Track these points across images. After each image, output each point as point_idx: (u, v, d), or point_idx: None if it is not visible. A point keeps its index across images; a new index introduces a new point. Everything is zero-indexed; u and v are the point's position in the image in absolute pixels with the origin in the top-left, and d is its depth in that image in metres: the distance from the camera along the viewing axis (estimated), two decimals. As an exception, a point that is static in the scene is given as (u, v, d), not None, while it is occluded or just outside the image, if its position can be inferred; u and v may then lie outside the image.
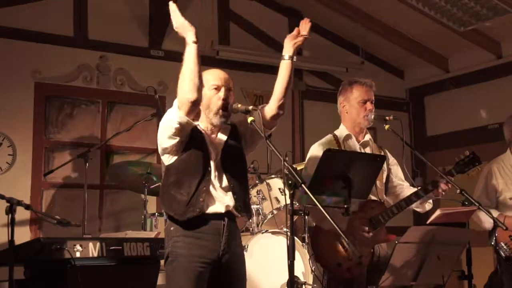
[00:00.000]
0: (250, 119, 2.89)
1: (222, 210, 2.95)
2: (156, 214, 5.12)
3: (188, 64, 2.82)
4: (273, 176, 5.01)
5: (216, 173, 2.97)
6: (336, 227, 2.52)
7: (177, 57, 6.31)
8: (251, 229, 4.69)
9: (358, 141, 3.60)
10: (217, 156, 3.00)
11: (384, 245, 3.51)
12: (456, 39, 6.58)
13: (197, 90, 2.79)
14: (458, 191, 3.37)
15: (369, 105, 3.54)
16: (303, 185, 2.60)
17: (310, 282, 4.63)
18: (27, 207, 3.40)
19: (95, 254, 3.62)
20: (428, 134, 7.63)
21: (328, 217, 2.53)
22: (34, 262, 3.62)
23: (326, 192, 3.19)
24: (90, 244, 3.62)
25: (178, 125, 2.83)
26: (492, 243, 4.21)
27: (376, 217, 3.42)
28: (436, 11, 6.10)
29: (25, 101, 5.57)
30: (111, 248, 3.70)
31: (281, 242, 4.56)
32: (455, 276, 3.51)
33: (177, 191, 2.91)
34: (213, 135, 3.04)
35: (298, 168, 4.68)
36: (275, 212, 4.82)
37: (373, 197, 3.47)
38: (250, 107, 2.90)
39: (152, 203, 5.62)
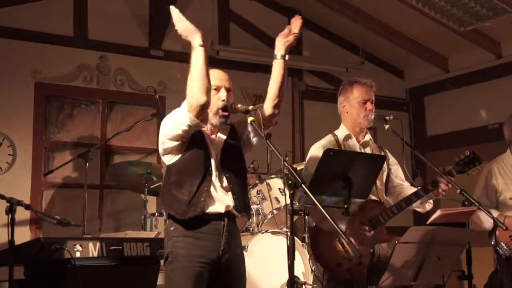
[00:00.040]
0: (250, 119, 2.89)
1: (222, 210, 2.95)
2: (156, 214, 5.12)
3: (196, 67, 2.81)
4: (273, 176, 5.01)
5: (217, 173, 2.97)
6: (336, 227, 2.53)
7: (177, 57, 6.33)
8: (251, 229, 4.69)
9: (358, 141, 3.60)
10: (217, 156, 3.00)
11: (384, 245, 3.51)
12: (456, 39, 6.58)
13: (206, 93, 2.79)
14: (458, 191, 3.37)
15: (369, 105, 3.54)
16: (303, 185, 2.60)
17: (310, 282, 4.63)
18: (27, 207, 3.40)
19: (95, 254, 3.62)
20: (428, 134, 7.63)
21: (328, 217, 2.54)
22: (34, 262, 3.62)
23: (326, 192, 3.19)
24: (90, 244, 3.63)
25: (187, 128, 2.83)
26: (492, 243, 4.21)
27: (376, 217, 3.42)
28: (436, 11, 6.11)
29: (25, 101, 5.57)
30: (111, 248, 3.70)
31: (281, 242, 4.56)
32: (455, 276, 3.51)
33: (178, 190, 2.91)
34: (213, 135, 3.04)
35: (298, 168, 4.68)
36: (275, 212, 4.82)
37: (373, 197, 3.47)
38: (250, 107, 2.91)
39: (152, 203, 5.62)
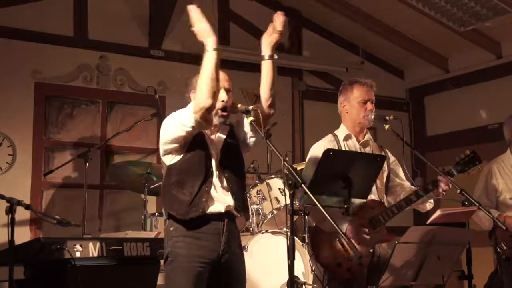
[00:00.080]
0: (250, 119, 2.90)
1: (222, 210, 2.95)
2: (156, 214, 5.12)
3: (206, 70, 2.80)
4: (273, 176, 5.01)
5: (217, 173, 2.97)
6: (336, 227, 2.53)
7: (177, 57, 6.31)
8: (251, 229, 4.69)
9: (359, 141, 3.60)
10: (217, 156, 3.00)
11: (384, 245, 3.51)
12: (456, 39, 6.58)
13: (212, 96, 2.79)
14: (458, 191, 3.37)
15: (369, 105, 3.54)
16: (303, 185, 2.60)
17: (310, 282, 4.63)
18: (27, 207, 3.40)
19: (95, 254, 3.62)
20: (428, 134, 7.63)
21: (328, 217, 2.54)
22: (34, 262, 3.62)
23: (326, 192, 3.19)
24: (90, 244, 3.63)
25: (191, 129, 2.83)
26: (492, 243, 4.21)
27: (376, 217, 3.42)
28: (436, 11, 6.11)
29: (25, 101, 5.57)
30: (111, 248, 3.70)
31: (281, 242, 4.56)
32: (455, 276, 3.51)
33: (180, 191, 2.91)
34: (213, 135, 3.04)
35: (298, 168, 4.68)
36: (275, 212, 4.82)
37: (373, 197, 3.47)
38: (250, 107, 2.91)
39: (152, 203, 5.62)
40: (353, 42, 7.35)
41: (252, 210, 4.70)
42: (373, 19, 6.69)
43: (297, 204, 3.94)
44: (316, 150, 3.53)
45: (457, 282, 4.47)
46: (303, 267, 4.67)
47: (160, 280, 3.99)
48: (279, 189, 4.88)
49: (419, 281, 3.20)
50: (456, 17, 6.13)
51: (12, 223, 3.20)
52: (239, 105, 2.96)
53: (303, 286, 4.56)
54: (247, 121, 3.04)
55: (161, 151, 2.98)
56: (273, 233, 4.64)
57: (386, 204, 3.53)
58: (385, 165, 3.54)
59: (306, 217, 5.03)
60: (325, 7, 6.65)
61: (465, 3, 5.86)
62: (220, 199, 2.95)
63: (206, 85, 2.79)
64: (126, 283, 3.79)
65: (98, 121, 5.93)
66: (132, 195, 5.61)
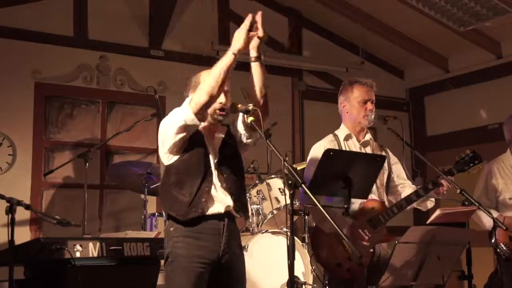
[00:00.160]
0: (250, 119, 2.89)
1: (222, 210, 2.95)
2: (156, 214, 5.13)
3: (217, 69, 2.82)
4: (273, 176, 5.01)
5: (216, 173, 2.98)
6: (336, 227, 2.52)
7: (177, 57, 6.32)
8: (251, 229, 4.69)
9: (359, 141, 3.60)
10: (216, 156, 3.00)
11: (385, 245, 3.51)
12: (456, 39, 6.58)
13: (210, 94, 2.79)
14: (458, 191, 3.37)
15: (369, 105, 3.55)
16: (303, 185, 2.60)
17: (310, 282, 4.63)
18: (27, 207, 3.40)
19: (95, 254, 3.62)
20: (428, 134, 7.63)
21: (328, 217, 2.53)
22: (34, 262, 3.62)
23: (326, 192, 3.19)
24: (90, 244, 3.63)
25: (183, 122, 2.83)
26: (492, 243, 4.21)
27: (376, 217, 3.42)
28: (436, 11, 6.11)
29: (25, 101, 5.57)
30: (111, 248, 3.70)
31: (281, 242, 4.56)
32: (455, 276, 3.51)
33: (179, 191, 2.91)
34: (211, 135, 3.05)
35: (298, 168, 4.68)
36: (275, 212, 4.82)
37: (373, 197, 3.47)
38: (250, 107, 2.90)
39: (152, 203, 5.62)
40: (353, 42, 7.35)
41: (252, 210, 4.70)
42: (373, 19, 6.69)
43: (297, 204, 3.96)
44: (317, 150, 3.53)
45: (457, 282, 4.47)
46: (303, 267, 4.67)
47: (160, 280, 3.99)
48: (279, 189, 4.88)
49: (419, 281, 3.20)
50: (456, 17, 6.13)
51: (12, 223, 3.19)
52: (239, 105, 2.96)
53: (303, 286, 4.56)
54: (240, 120, 3.05)
55: (160, 150, 2.98)
56: (273, 233, 4.64)
57: (386, 203, 3.53)
58: (385, 164, 3.53)
59: (306, 217, 5.03)
60: (325, 7, 6.65)
61: (465, 3, 5.86)
62: (220, 199, 2.96)
63: (208, 81, 2.80)
64: (126, 283, 3.79)
65: (98, 121, 5.93)
66: (132, 195, 5.61)
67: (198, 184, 2.90)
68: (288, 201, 2.66)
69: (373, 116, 3.53)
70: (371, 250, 3.39)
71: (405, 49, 7.10)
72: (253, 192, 4.82)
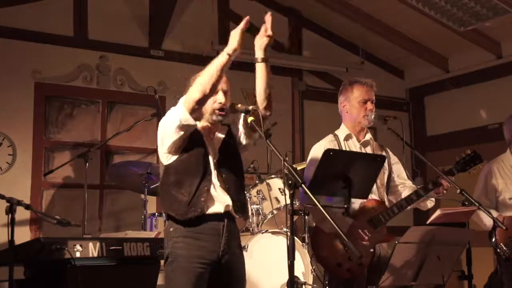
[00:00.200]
0: (250, 119, 2.89)
1: (222, 210, 2.95)
2: (156, 214, 5.12)
3: (210, 67, 2.81)
4: (273, 176, 5.00)
5: (215, 173, 2.97)
6: (336, 227, 2.52)
7: (177, 57, 6.31)
8: (251, 229, 4.69)
9: (359, 141, 3.60)
10: (215, 156, 3.00)
11: (385, 245, 3.51)
12: (456, 39, 6.58)
13: (202, 92, 2.79)
14: (458, 191, 3.37)
15: (369, 105, 3.55)
16: (303, 185, 2.60)
17: (310, 282, 4.63)
18: (27, 207, 3.40)
19: (95, 254, 3.62)
20: (428, 134, 7.63)
21: (328, 217, 2.53)
22: (34, 262, 3.62)
23: (326, 192, 3.19)
24: (90, 244, 3.63)
25: (178, 122, 2.83)
26: (492, 243, 4.21)
27: (376, 217, 3.42)
28: (436, 11, 6.11)
29: (25, 101, 5.57)
30: (111, 248, 3.70)
31: (281, 242, 4.56)
32: (455, 276, 3.51)
33: (178, 191, 2.91)
34: (211, 135, 3.05)
35: (298, 168, 4.68)
36: (275, 212, 4.81)
37: (374, 197, 3.47)
38: (250, 107, 2.91)
39: (152, 203, 5.62)
40: (353, 42, 7.36)
41: (252, 210, 4.70)
42: (373, 19, 6.69)
43: (297, 204, 3.96)
44: (317, 150, 3.53)
45: (457, 282, 4.47)
46: (303, 267, 4.66)
47: (160, 280, 3.99)
48: (279, 189, 4.88)
49: (419, 281, 3.20)
50: (456, 17, 6.13)
51: (12, 223, 3.19)
52: (239, 105, 2.96)
53: (303, 286, 4.56)
54: (241, 121, 3.05)
55: (159, 150, 2.98)
56: (273, 233, 4.64)
57: (387, 203, 3.53)
58: (386, 164, 3.54)
59: (306, 217, 5.03)
60: (325, 7, 6.65)
61: (465, 3, 5.86)
62: (220, 199, 2.96)
63: (202, 79, 2.79)
64: (126, 283, 3.79)
65: (98, 121, 5.93)
66: (132, 195, 5.61)
67: (197, 183, 2.90)
68: (288, 201, 2.65)
69: (373, 116, 3.53)
70: (371, 250, 3.39)
71: (405, 49, 7.10)
72: (253, 192, 4.82)
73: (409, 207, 3.49)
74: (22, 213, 3.76)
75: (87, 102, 5.92)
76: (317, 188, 3.09)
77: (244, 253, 3.58)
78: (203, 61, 2.90)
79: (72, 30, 5.86)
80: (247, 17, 2.83)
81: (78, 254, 3.53)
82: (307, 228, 5.04)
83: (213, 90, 2.83)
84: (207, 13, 6.38)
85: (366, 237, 3.33)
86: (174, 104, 3.00)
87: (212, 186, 2.94)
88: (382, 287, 3.07)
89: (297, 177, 2.59)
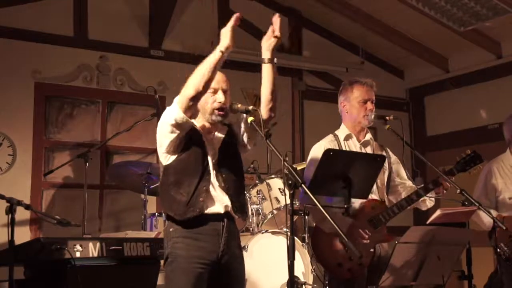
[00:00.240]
0: (250, 119, 2.89)
1: (221, 210, 2.95)
2: (156, 214, 5.12)
3: (203, 64, 2.82)
4: (273, 176, 5.00)
5: (215, 173, 2.97)
6: (336, 227, 2.52)
7: (177, 57, 6.32)
8: (251, 229, 4.69)
9: (359, 141, 3.60)
10: (215, 156, 3.00)
11: (385, 245, 3.51)
12: (456, 39, 6.58)
13: (196, 89, 2.78)
14: (458, 191, 3.37)
15: (369, 105, 3.55)
16: (303, 185, 2.60)
17: (310, 282, 4.63)
18: (27, 207, 3.40)
19: (95, 254, 3.62)
20: (428, 134, 7.63)
21: (328, 217, 2.53)
22: (34, 262, 3.62)
23: (326, 192, 3.19)
24: (90, 244, 3.62)
25: (173, 121, 2.83)
26: (492, 243, 4.21)
27: (377, 217, 3.42)
28: (436, 11, 6.11)
29: (25, 101, 5.57)
30: (111, 248, 3.70)
31: (281, 242, 4.56)
32: (455, 276, 3.50)
33: (177, 191, 2.91)
34: (210, 135, 3.04)
35: (298, 168, 4.68)
36: (275, 212, 4.81)
37: (374, 197, 3.48)
38: (250, 107, 2.91)
39: (152, 203, 5.62)
40: (353, 42, 7.36)
41: (252, 210, 4.71)
42: (373, 19, 6.69)
43: (297, 204, 3.96)
44: (317, 150, 3.53)
45: (457, 282, 4.47)
46: (303, 267, 4.67)
47: (160, 280, 3.99)
48: (279, 189, 4.88)
49: (419, 281, 3.20)
50: (456, 17, 6.13)
51: (12, 223, 3.19)
52: (239, 105, 2.96)
53: (303, 286, 4.56)
54: (243, 121, 3.04)
55: (158, 150, 2.98)
56: (273, 233, 4.64)
57: (387, 203, 3.53)
58: (386, 164, 3.54)
59: (306, 217, 5.03)
60: (325, 7, 6.65)
61: (465, 3, 5.86)
62: (219, 199, 2.95)
63: (195, 76, 2.79)
64: (126, 283, 3.79)
65: (98, 121, 5.93)
66: (132, 195, 5.61)
67: (196, 183, 2.90)
68: (288, 201, 2.65)
69: (373, 116, 3.54)
70: (371, 250, 3.39)
71: (405, 49, 7.10)
72: (253, 192, 4.82)
73: (409, 207, 3.49)
74: (22, 213, 3.76)
75: (87, 102, 5.92)
76: (317, 188, 3.09)
77: (244, 253, 3.58)
78: (203, 61, 2.89)
79: (72, 30, 5.86)
80: (237, 14, 2.83)
81: (78, 254, 3.53)
82: (307, 228, 5.04)
83: (206, 88, 2.83)
84: (207, 13, 6.38)
85: (366, 236, 3.33)
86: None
87: (211, 186, 2.94)
88: (382, 287, 3.07)
89: (297, 177, 2.59)
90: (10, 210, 3.21)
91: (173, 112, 2.83)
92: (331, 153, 3.15)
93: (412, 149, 3.88)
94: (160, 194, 3.04)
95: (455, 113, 7.20)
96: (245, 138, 3.09)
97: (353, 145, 3.59)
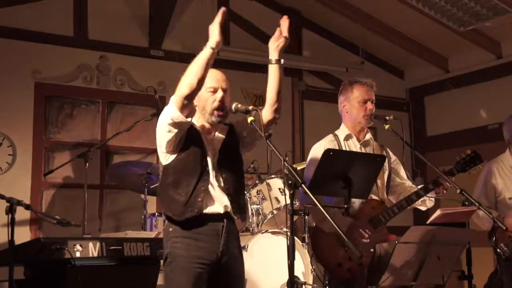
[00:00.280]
0: (250, 119, 2.89)
1: (221, 210, 2.95)
2: (156, 214, 5.13)
3: (195, 62, 2.82)
4: (273, 176, 5.00)
5: (214, 173, 2.97)
6: (337, 227, 2.52)
7: (177, 57, 6.32)
8: (251, 229, 4.69)
9: (359, 141, 3.61)
10: (215, 156, 3.00)
11: (385, 245, 3.51)
12: (456, 39, 6.58)
13: (190, 87, 2.78)
14: (458, 191, 3.37)
15: (369, 105, 3.55)
16: (303, 185, 2.60)
17: (310, 282, 4.63)
18: (27, 207, 3.40)
19: (95, 254, 3.62)
20: (428, 134, 7.63)
21: (328, 217, 2.53)
22: (34, 262, 3.62)
23: (326, 192, 3.19)
24: (90, 244, 3.62)
25: (170, 120, 2.83)
26: (492, 243, 4.21)
27: (377, 217, 3.42)
28: (436, 11, 6.11)
29: (25, 101, 5.57)
30: (111, 248, 3.70)
31: (281, 242, 4.56)
32: (455, 276, 3.51)
33: (175, 191, 2.91)
34: (211, 135, 3.04)
35: (298, 168, 4.68)
36: (275, 212, 4.81)
37: (374, 197, 3.48)
38: (250, 107, 2.90)
39: (152, 203, 5.62)
40: (353, 42, 7.36)
41: (252, 210, 4.71)
42: (373, 19, 6.69)
43: (297, 204, 3.96)
44: (317, 150, 3.54)
45: (457, 282, 4.47)
46: (303, 267, 4.66)
47: (160, 280, 3.99)
48: (279, 189, 4.88)
49: (419, 281, 3.20)
50: (456, 17, 6.13)
51: (12, 223, 3.19)
52: (239, 105, 2.96)
53: (303, 286, 4.56)
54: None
55: (158, 150, 2.98)
56: (273, 233, 4.64)
57: (387, 203, 3.53)
58: (386, 164, 3.54)
59: (306, 217, 5.03)
60: (325, 7, 6.65)
61: (465, 3, 5.86)
62: (219, 199, 2.95)
63: (188, 76, 2.79)
64: (126, 283, 3.79)
65: (98, 121, 5.93)
66: (132, 195, 5.61)
67: (194, 183, 2.90)
68: (288, 201, 2.65)
69: (373, 116, 3.54)
70: (371, 250, 3.39)
71: (405, 49, 7.10)
72: (253, 192, 4.82)
73: (409, 207, 3.49)
74: (22, 213, 3.76)
75: (87, 102, 5.92)
76: (317, 188, 3.09)
77: (244, 253, 3.58)
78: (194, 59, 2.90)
79: (72, 30, 5.86)
80: (223, 8, 2.83)
81: (78, 254, 3.53)
82: (307, 228, 5.04)
83: (200, 86, 2.83)
84: (207, 13, 6.35)
85: (367, 235, 3.33)
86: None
87: (210, 186, 2.93)
88: (382, 287, 3.07)
89: (297, 177, 2.59)
90: (10, 210, 3.22)
91: (170, 112, 2.83)
92: (331, 153, 3.15)
93: (412, 149, 3.88)
94: (159, 194, 3.04)
95: (455, 113, 7.20)
96: (246, 139, 3.09)
97: (353, 145, 3.59)
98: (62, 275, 3.51)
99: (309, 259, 4.64)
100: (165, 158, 2.96)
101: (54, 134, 5.73)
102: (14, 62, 5.55)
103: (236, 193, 3.02)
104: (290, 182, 2.61)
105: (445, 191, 3.41)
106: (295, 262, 2.64)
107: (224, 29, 6.98)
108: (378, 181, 3.49)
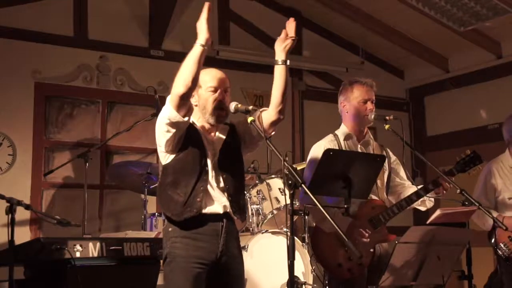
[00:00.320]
0: (250, 119, 2.88)
1: (220, 210, 2.94)
2: (156, 214, 5.13)
3: (187, 61, 2.82)
4: (273, 176, 5.00)
5: (214, 173, 2.97)
6: (337, 227, 2.52)
7: (177, 57, 6.31)
8: (251, 229, 4.69)
9: (359, 141, 3.61)
10: (215, 156, 2.99)
11: (385, 245, 3.51)
12: (456, 39, 6.58)
13: (185, 85, 2.78)
14: (458, 191, 3.37)
15: (369, 105, 3.55)
16: (303, 185, 2.60)
17: (310, 282, 4.63)
18: (27, 207, 3.40)
19: (95, 254, 3.62)
20: (428, 134, 7.63)
21: (328, 217, 2.53)
22: (34, 262, 3.62)
23: (326, 192, 3.19)
24: (90, 244, 3.62)
25: (168, 120, 2.83)
26: (492, 243, 4.21)
27: (376, 217, 3.42)
28: (436, 11, 6.11)
29: (25, 101, 5.57)
30: (111, 248, 3.70)
31: (281, 242, 4.56)
32: (455, 276, 3.51)
33: (174, 191, 2.91)
34: (211, 135, 3.03)
35: (298, 168, 4.68)
36: (275, 212, 4.81)
37: (374, 197, 3.48)
38: (250, 107, 2.90)
39: (152, 203, 5.61)
40: (353, 42, 7.36)
41: (252, 210, 4.71)
42: (373, 19, 6.69)
43: (297, 204, 3.96)
44: (317, 150, 3.53)
45: (457, 282, 4.48)
46: (303, 267, 4.66)
47: (160, 280, 3.99)
48: (279, 189, 4.88)
49: (419, 281, 3.20)
50: (456, 17, 6.13)
51: (12, 223, 3.19)
52: (239, 105, 2.96)
53: (303, 286, 4.56)
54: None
55: (158, 150, 2.98)
56: (273, 233, 4.64)
57: (387, 203, 3.53)
58: (386, 164, 3.54)
59: (306, 217, 5.03)
60: (325, 7, 6.66)
61: (465, 3, 5.86)
62: (218, 199, 2.95)
63: (181, 74, 2.79)
64: (126, 283, 3.79)
65: (98, 121, 5.93)
66: (132, 195, 5.61)
67: (193, 183, 2.89)
68: (288, 201, 2.65)
69: (373, 116, 3.54)
70: (371, 250, 3.40)
71: (405, 49, 7.10)
72: (253, 192, 4.82)
73: (409, 207, 3.49)
74: (22, 213, 3.76)
75: (87, 102, 5.92)
76: (317, 188, 3.09)
77: (244, 253, 3.58)
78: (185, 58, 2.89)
79: (72, 30, 5.86)
80: (208, 3, 2.81)
81: (78, 254, 3.53)
82: (307, 228, 5.04)
83: (195, 84, 2.82)
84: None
85: (367, 235, 3.33)
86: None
87: (209, 186, 2.93)
88: (382, 287, 3.07)
89: (297, 177, 2.59)
90: (10, 210, 3.21)
91: (167, 112, 2.83)
92: (331, 153, 3.15)
93: (412, 149, 3.88)
94: (158, 194, 3.04)
95: (455, 113, 7.21)
96: (248, 139, 3.09)
97: (353, 145, 3.59)
98: (62, 275, 3.51)
99: (309, 259, 4.64)
100: (165, 157, 2.95)
101: (54, 134, 5.73)
102: (14, 62, 5.55)
103: (236, 193, 3.02)
104: (290, 182, 2.61)
105: (445, 192, 3.41)
106: (295, 262, 2.64)
107: (224, 29, 7.01)
108: (378, 181, 3.49)
